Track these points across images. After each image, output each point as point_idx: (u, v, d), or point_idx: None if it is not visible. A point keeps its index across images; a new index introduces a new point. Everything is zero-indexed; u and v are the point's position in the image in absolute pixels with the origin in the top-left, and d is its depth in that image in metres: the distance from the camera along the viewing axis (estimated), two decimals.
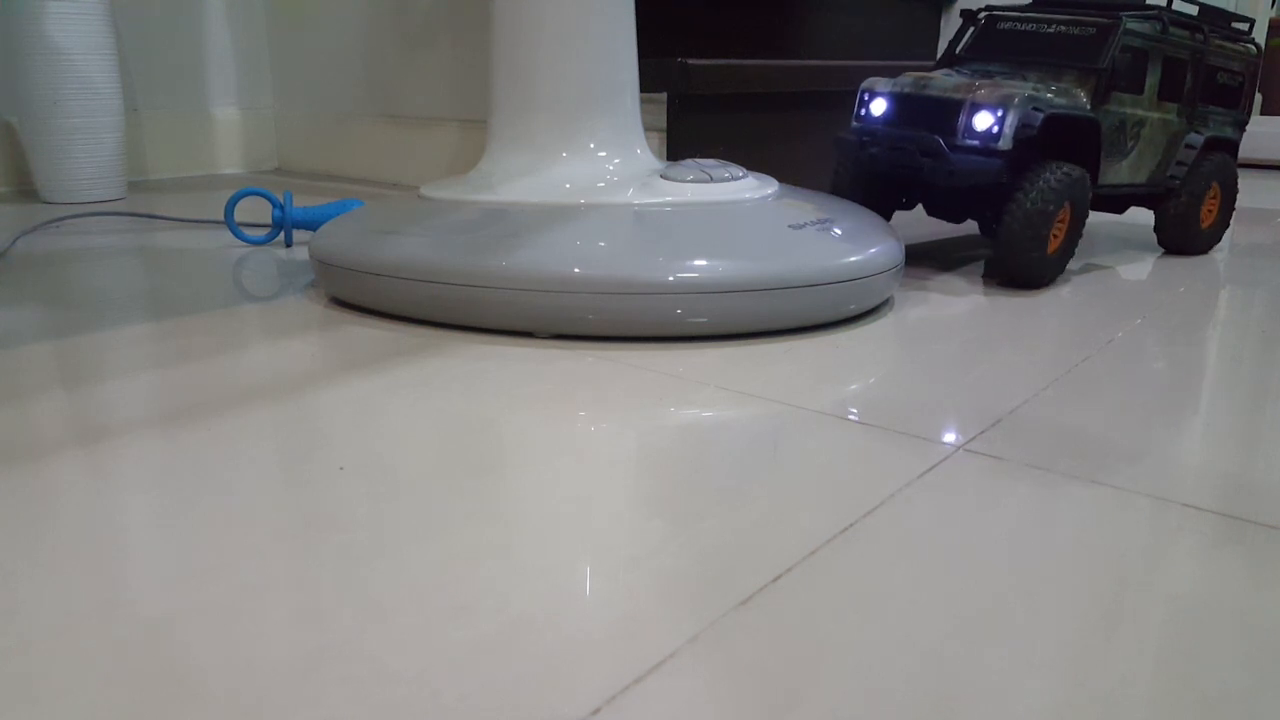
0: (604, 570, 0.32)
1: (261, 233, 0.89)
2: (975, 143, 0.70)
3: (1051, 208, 0.69)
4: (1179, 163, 0.83)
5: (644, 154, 0.71)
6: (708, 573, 0.32)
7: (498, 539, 0.34)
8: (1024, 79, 0.74)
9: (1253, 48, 0.87)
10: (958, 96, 0.71)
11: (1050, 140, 0.73)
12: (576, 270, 0.56)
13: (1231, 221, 1.03)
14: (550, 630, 0.29)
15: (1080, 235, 0.74)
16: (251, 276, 0.73)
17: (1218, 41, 0.83)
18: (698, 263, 0.56)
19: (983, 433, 0.44)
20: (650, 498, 0.37)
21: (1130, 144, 0.77)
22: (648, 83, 0.99)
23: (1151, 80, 0.77)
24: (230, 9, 1.34)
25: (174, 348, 0.55)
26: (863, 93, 0.79)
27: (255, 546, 0.33)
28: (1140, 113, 0.77)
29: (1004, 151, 0.69)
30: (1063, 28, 0.76)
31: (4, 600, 0.30)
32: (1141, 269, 0.82)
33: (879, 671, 0.27)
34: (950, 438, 0.44)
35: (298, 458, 0.40)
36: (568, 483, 0.38)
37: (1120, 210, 0.88)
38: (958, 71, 0.77)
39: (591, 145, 0.68)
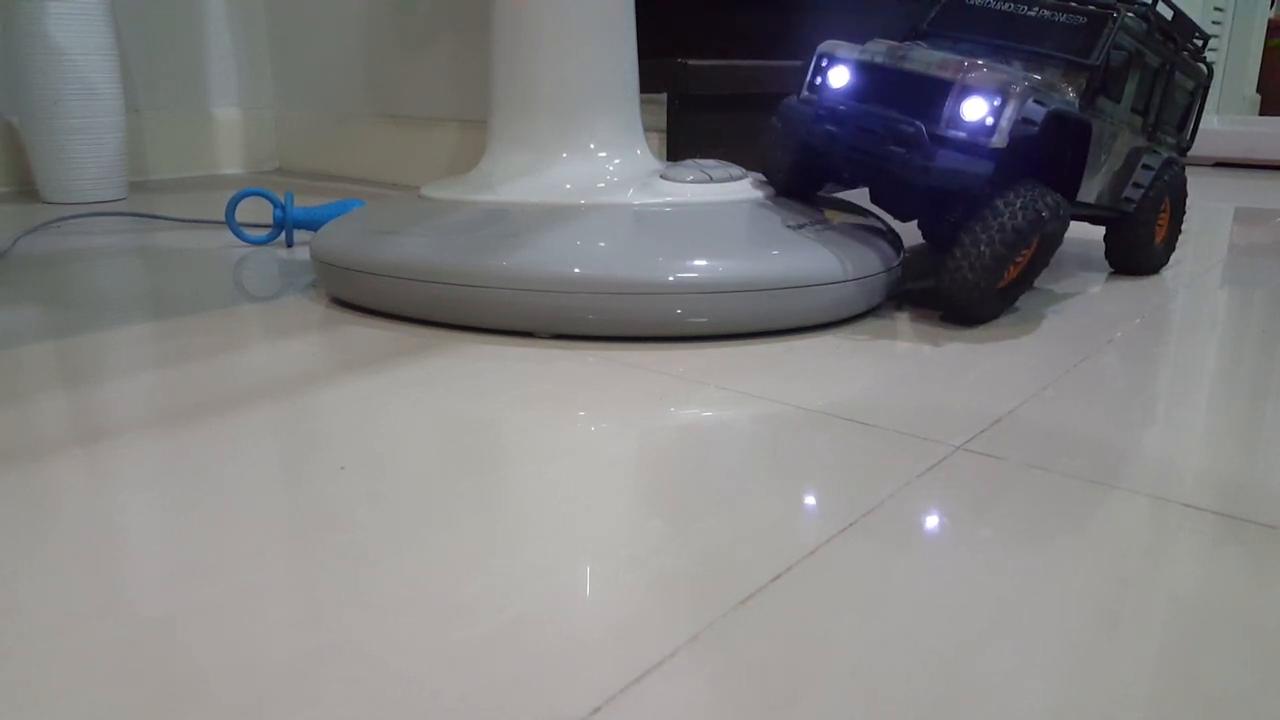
0: (604, 570, 0.32)
1: (262, 233, 0.90)
2: (961, 135, 0.57)
3: (1020, 249, 0.58)
4: (1135, 184, 0.72)
5: (644, 154, 0.71)
6: (708, 573, 0.32)
7: (498, 539, 0.34)
8: (1006, 62, 0.64)
9: (1204, 68, 0.78)
10: (944, 75, 0.58)
11: (1029, 147, 0.61)
12: (576, 270, 0.56)
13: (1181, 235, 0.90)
14: (550, 630, 0.29)
15: (1045, 266, 0.63)
16: (252, 276, 0.73)
17: (1184, 55, 0.74)
18: (698, 263, 0.56)
19: (982, 433, 0.44)
20: (650, 498, 0.37)
21: (1103, 158, 0.67)
22: (648, 83, 0.99)
23: (1130, 87, 0.67)
24: (230, 9, 1.34)
25: (174, 348, 0.55)
26: (820, 58, 0.65)
27: (255, 546, 0.33)
28: (1116, 123, 0.67)
29: (995, 150, 0.57)
30: (1047, 12, 0.65)
31: (4, 600, 0.30)
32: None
33: (879, 671, 0.27)
34: (950, 438, 0.44)
35: (298, 458, 0.40)
36: (568, 483, 0.38)
37: None
38: (932, 49, 0.65)
39: (591, 145, 0.68)
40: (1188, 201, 0.83)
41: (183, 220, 0.97)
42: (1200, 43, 0.76)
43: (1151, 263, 0.78)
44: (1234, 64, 2.41)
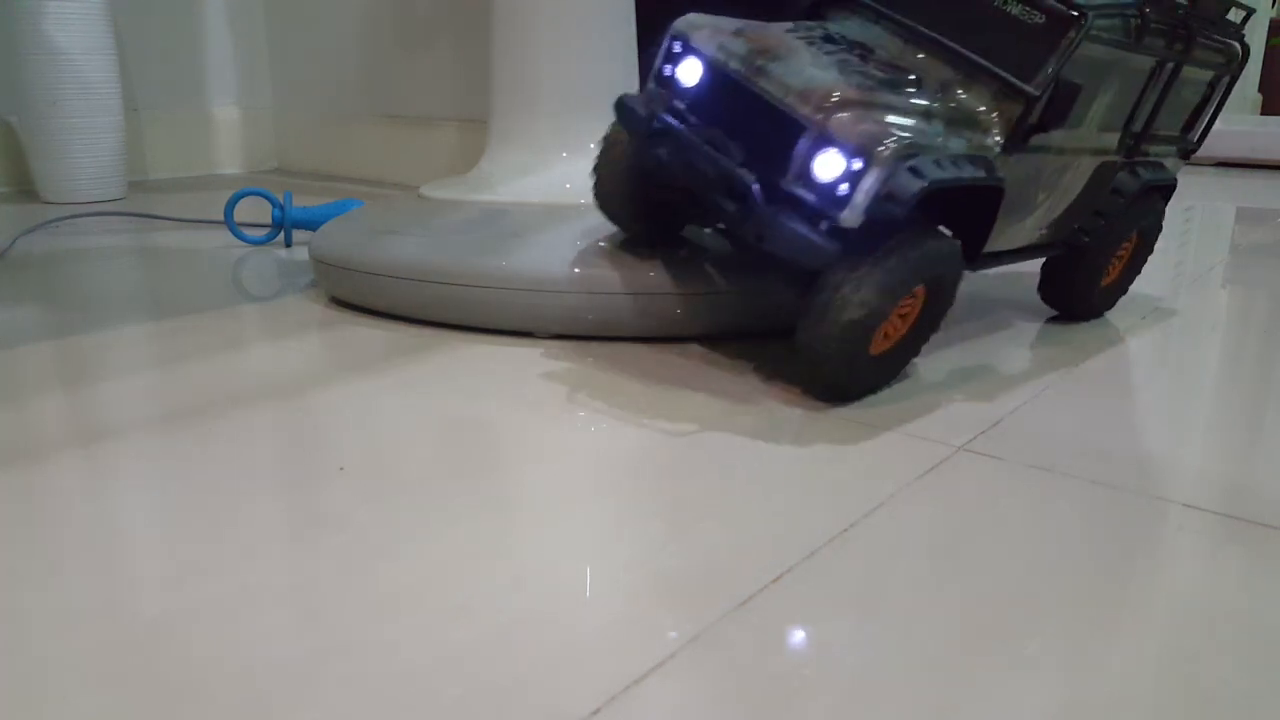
0: (604, 570, 0.32)
1: (261, 233, 0.89)
2: (809, 197, 0.43)
3: (887, 309, 0.45)
4: (1099, 213, 0.57)
5: None
6: (708, 573, 0.32)
7: (498, 539, 0.34)
8: (910, 81, 0.46)
9: (1237, 46, 0.59)
10: (801, 112, 0.43)
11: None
12: (576, 270, 0.56)
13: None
14: (550, 630, 0.29)
15: (937, 326, 0.49)
16: (251, 276, 0.73)
17: (1201, 43, 0.56)
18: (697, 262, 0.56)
19: (983, 433, 0.44)
20: (650, 498, 0.37)
21: (1041, 197, 0.52)
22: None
23: (1099, 105, 0.51)
24: (230, 9, 1.34)
25: (174, 348, 0.55)
26: (673, 40, 0.49)
27: (255, 546, 0.33)
28: (1068, 154, 0.51)
29: (846, 230, 0.43)
30: None
31: (4, 600, 0.30)
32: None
33: (879, 673, 0.27)
34: (950, 438, 0.44)
35: (298, 458, 0.40)
36: (567, 483, 0.38)
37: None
38: (824, 42, 0.48)
39: (591, 145, 0.68)
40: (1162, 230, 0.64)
41: (181, 220, 0.97)
42: (1240, 16, 0.59)
43: (1092, 306, 0.63)
44: None
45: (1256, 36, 2.46)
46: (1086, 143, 0.52)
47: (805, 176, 0.43)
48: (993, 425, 0.45)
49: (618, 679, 0.27)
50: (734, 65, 0.46)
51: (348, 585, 0.31)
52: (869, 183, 0.41)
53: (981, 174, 0.45)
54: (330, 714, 0.25)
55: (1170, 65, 0.54)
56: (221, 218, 0.97)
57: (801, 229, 0.43)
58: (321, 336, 0.57)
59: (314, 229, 0.86)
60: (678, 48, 0.48)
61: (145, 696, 0.26)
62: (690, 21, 0.48)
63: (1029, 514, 0.37)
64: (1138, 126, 0.56)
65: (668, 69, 0.49)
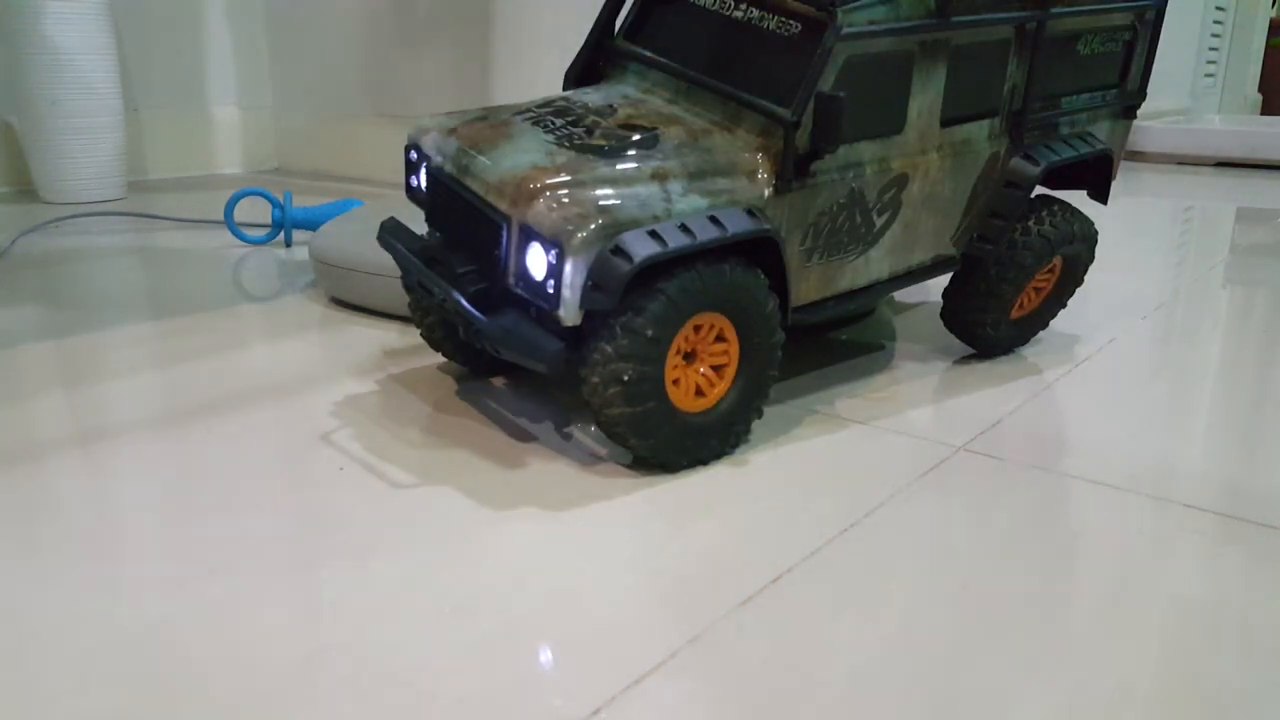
0: (604, 571, 0.32)
1: (261, 233, 0.89)
2: (528, 297, 0.38)
3: (656, 354, 0.38)
4: (995, 215, 0.50)
5: None
6: (708, 573, 0.32)
7: (497, 539, 0.34)
8: (640, 142, 0.40)
9: None
10: (501, 205, 0.38)
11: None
12: None
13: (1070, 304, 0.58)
14: (550, 630, 0.29)
15: (766, 384, 0.42)
16: (251, 276, 0.73)
17: None
18: None
19: (983, 433, 0.44)
20: (650, 498, 0.37)
21: (881, 220, 0.45)
22: None
23: (925, 99, 0.44)
24: (230, 9, 1.34)
25: (174, 348, 0.55)
26: (407, 150, 0.45)
27: (255, 546, 0.33)
28: (897, 165, 0.44)
29: (567, 324, 0.37)
30: (755, 11, 0.42)
31: (4, 600, 0.30)
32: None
33: (879, 672, 0.27)
34: (951, 438, 0.44)
35: (298, 458, 0.40)
36: (567, 482, 0.38)
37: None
38: (556, 115, 0.43)
39: None
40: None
41: (181, 220, 0.97)
42: None
43: (994, 340, 0.54)
44: (1235, 64, 2.40)
45: (1256, 36, 2.46)
46: (925, 145, 0.45)
47: (522, 275, 0.38)
48: (993, 425, 0.45)
49: (618, 679, 0.27)
50: (447, 168, 0.42)
51: (348, 585, 0.31)
52: (570, 274, 0.36)
53: (719, 233, 0.38)
54: (330, 714, 0.25)
55: (1032, 26, 0.47)
56: (221, 218, 0.97)
57: (527, 334, 0.39)
58: (321, 336, 0.57)
59: (314, 229, 0.86)
60: (413, 156, 0.45)
61: (145, 696, 0.26)
62: (420, 126, 0.44)
63: (1028, 514, 0.37)
64: (1015, 105, 0.48)
65: (413, 180, 0.45)
